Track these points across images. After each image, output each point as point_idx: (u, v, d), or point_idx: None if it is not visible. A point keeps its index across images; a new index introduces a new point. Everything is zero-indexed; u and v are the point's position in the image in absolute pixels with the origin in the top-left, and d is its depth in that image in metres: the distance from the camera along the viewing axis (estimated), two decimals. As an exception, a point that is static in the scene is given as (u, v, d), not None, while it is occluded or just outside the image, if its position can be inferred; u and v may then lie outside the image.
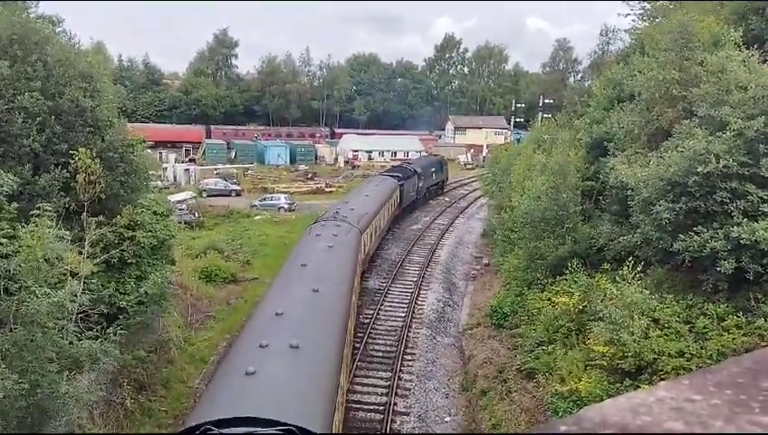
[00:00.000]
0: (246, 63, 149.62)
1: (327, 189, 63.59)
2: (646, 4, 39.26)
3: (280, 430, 9.83)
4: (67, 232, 15.88)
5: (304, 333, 13.71)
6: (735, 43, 21.03)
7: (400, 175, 47.85)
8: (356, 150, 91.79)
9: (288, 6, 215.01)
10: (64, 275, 15.63)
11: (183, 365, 24.39)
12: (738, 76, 18.37)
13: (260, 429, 9.84)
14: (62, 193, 19.39)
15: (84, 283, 16.53)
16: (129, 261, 21.57)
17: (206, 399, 12.07)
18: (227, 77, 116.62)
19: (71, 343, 14.98)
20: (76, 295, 15.46)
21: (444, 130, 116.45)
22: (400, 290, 32.70)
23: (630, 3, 39.47)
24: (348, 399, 19.70)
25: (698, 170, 16.89)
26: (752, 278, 16.05)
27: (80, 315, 16.52)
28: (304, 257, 20.93)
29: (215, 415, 10.29)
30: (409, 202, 48.81)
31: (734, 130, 16.87)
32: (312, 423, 10.53)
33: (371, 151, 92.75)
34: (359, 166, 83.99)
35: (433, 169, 58.83)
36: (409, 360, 24.93)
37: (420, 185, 52.47)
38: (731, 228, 16.13)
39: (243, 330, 15.80)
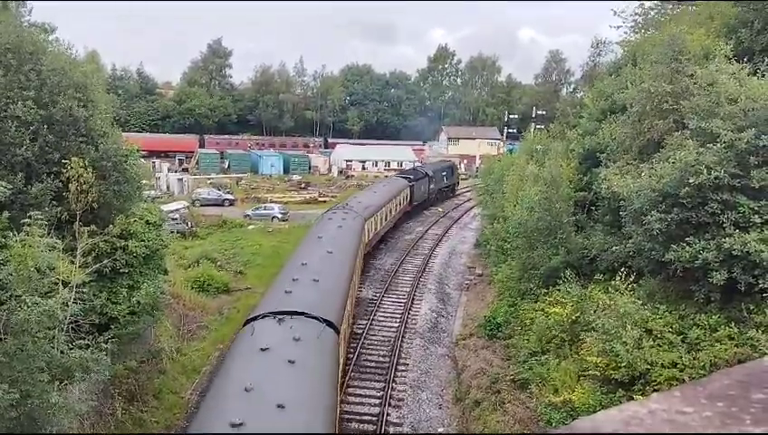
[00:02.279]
0: (239, 73, 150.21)
1: (320, 199, 63.52)
2: (638, 17, 39.60)
3: (314, 317, 15.94)
4: (59, 241, 15.80)
5: (322, 274, 20.24)
6: (726, 56, 21.22)
7: (412, 177, 54.68)
8: (349, 160, 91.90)
9: (282, 14, 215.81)
10: (56, 284, 15.54)
11: (175, 376, 24.23)
12: (728, 89, 18.52)
13: (303, 317, 15.76)
14: (55, 202, 19.30)
15: (76, 292, 16.43)
16: (121, 271, 21.46)
17: (265, 299, 18.67)
18: (221, 86, 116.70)
19: (62, 352, 14.86)
20: (67, 305, 15.37)
21: (437, 140, 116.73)
22: (393, 300, 32.67)
23: (622, 15, 39.82)
24: (341, 410, 19.67)
25: (690, 182, 16.99)
26: (743, 289, 16.11)
27: (71, 325, 16.40)
28: (320, 233, 27.81)
29: (269, 309, 16.39)
30: (421, 201, 55.46)
31: (724, 141, 16.98)
32: (333, 318, 16.98)
33: (365, 161, 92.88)
34: (352, 176, 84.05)
35: (444, 173, 65.42)
36: (403, 370, 24.86)
37: (431, 187, 59.04)
38: (722, 239, 16.21)
39: (281, 270, 22.64)
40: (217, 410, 11.16)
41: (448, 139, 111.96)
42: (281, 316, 15.59)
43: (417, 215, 54.98)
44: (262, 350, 13.37)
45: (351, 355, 24.86)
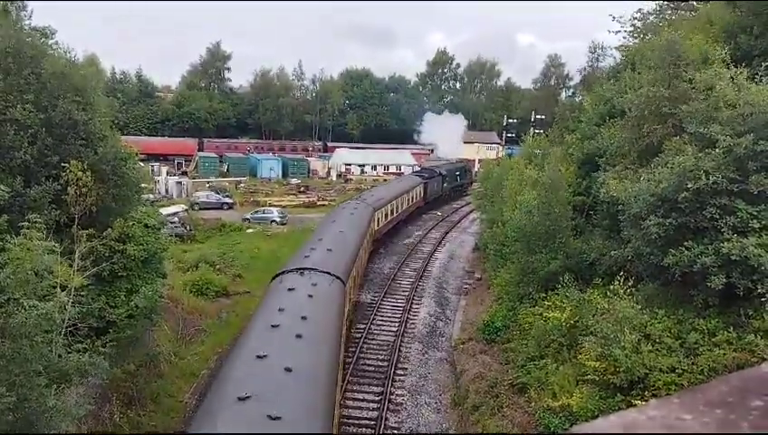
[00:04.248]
0: (239, 76, 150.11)
1: (319, 203, 63.52)
2: (636, 21, 39.69)
3: (326, 272, 21.03)
4: (57, 245, 15.79)
5: (334, 246, 25.57)
6: (724, 61, 21.26)
7: (426, 175, 61.58)
8: (348, 164, 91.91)
9: (281, 17, 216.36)
10: (54, 287, 15.53)
11: (173, 379, 24.20)
12: (727, 94, 18.56)
13: (319, 272, 20.79)
14: (53, 205, 19.29)
15: (74, 296, 16.42)
16: (119, 274, 21.47)
17: (290, 260, 23.76)
18: (220, 90, 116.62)
19: (59, 356, 14.85)
20: (65, 308, 15.35)
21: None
22: (392, 304, 32.65)
23: (621, 20, 39.91)
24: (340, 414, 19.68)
25: (688, 186, 17.01)
26: (742, 294, 16.13)
27: (69, 329, 16.39)
28: (334, 218, 33.78)
29: (293, 266, 21.64)
30: (434, 197, 61.51)
31: (723, 147, 17.02)
32: (341, 274, 22.00)
33: (364, 165, 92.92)
34: (351, 179, 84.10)
35: (458, 173, 72.53)
36: (401, 374, 24.84)
37: (445, 185, 65.88)
38: (721, 244, 16.23)
39: (305, 243, 27.90)
40: (263, 316, 16.54)
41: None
42: (302, 270, 20.90)
43: (416, 219, 55.20)
44: (289, 290, 18.68)
45: (350, 359, 24.84)
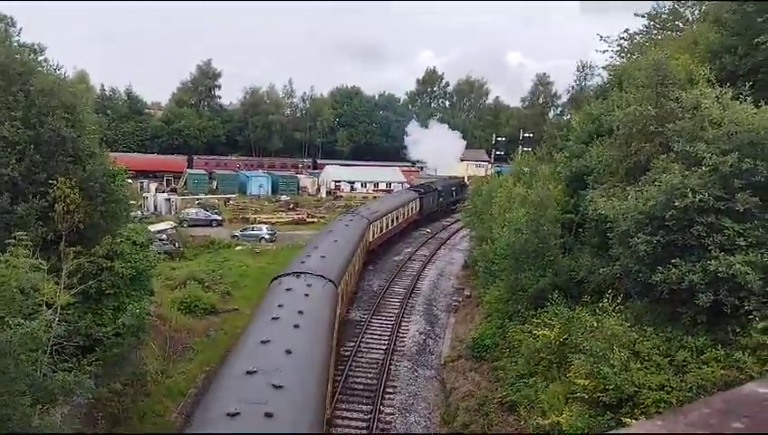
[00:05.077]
0: (229, 94, 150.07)
1: (309, 220, 63.40)
2: (623, 41, 40.22)
3: (320, 275, 23.55)
4: (44, 262, 15.66)
5: (328, 253, 28.04)
6: (709, 81, 21.53)
7: (422, 190, 63.80)
8: (338, 181, 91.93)
9: (272, 34, 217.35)
10: (40, 305, 15.36)
11: (160, 398, 23.92)
12: (712, 113, 18.78)
13: (313, 275, 23.45)
14: (40, 222, 19.16)
15: (60, 314, 16.24)
16: (106, 292, 21.28)
17: (288, 266, 26.22)
18: (210, 107, 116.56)
19: (44, 375, 14.66)
20: (51, 326, 15.18)
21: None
22: (382, 322, 32.54)
23: (608, 40, 40.44)
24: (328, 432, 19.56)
25: (675, 204, 17.13)
26: (729, 311, 16.20)
27: (54, 347, 16.19)
28: (330, 229, 37.21)
29: (290, 271, 24.16)
30: (430, 211, 64.01)
31: (709, 165, 17.18)
32: (334, 278, 24.49)
33: (354, 182, 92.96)
34: (341, 196, 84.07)
35: (453, 189, 74.72)
36: (390, 393, 24.69)
37: (441, 200, 68.25)
38: (708, 262, 16.31)
39: (303, 250, 31.15)
40: (265, 311, 19.04)
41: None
42: (298, 274, 23.45)
43: (406, 236, 55.20)
44: (287, 289, 21.07)
45: (339, 377, 24.68)
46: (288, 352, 14.64)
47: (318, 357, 16.07)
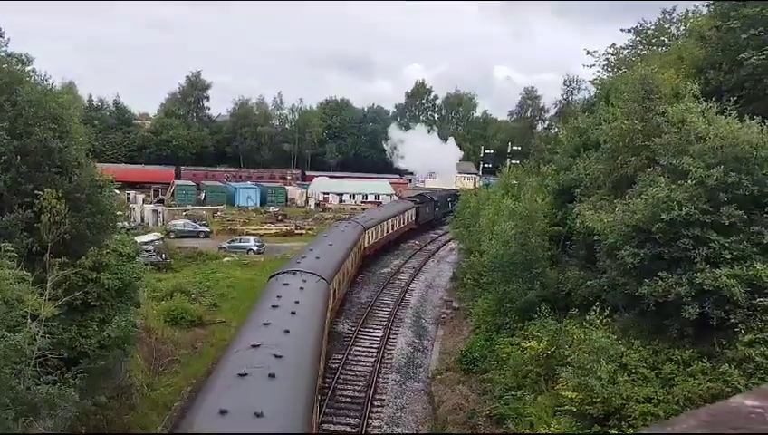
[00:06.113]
0: (218, 105, 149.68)
1: (297, 232, 63.21)
2: (610, 56, 40.62)
3: (314, 273, 26.21)
4: (28, 273, 15.50)
5: (322, 255, 30.81)
6: (694, 96, 21.79)
7: (418, 200, 66.91)
8: (327, 193, 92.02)
9: (260, 46, 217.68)
10: (24, 317, 15.19)
11: (145, 411, 23.64)
12: (697, 127, 18.99)
13: (307, 273, 26.11)
14: (26, 233, 18.97)
15: (45, 326, 16.06)
16: (92, 303, 21.07)
17: (285, 265, 29.73)
18: (199, 118, 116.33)
19: (28, 388, 14.47)
20: (35, 339, 15.00)
21: (414, 174, 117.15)
22: (370, 334, 32.43)
23: (595, 54, 40.82)
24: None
25: (662, 217, 17.28)
26: (715, 324, 16.31)
27: (38, 359, 15.98)
28: (326, 234, 40.69)
29: (286, 269, 27.17)
30: (426, 221, 66.68)
31: (694, 178, 17.36)
32: (326, 276, 26.84)
33: (342, 194, 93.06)
34: (330, 208, 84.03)
35: (449, 199, 75.16)
36: (378, 406, 24.57)
37: (437, 210, 70.91)
38: (694, 274, 16.44)
39: (301, 251, 34.98)
40: (265, 301, 21.41)
41: (429, 173, 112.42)
42: (294, 271, 26.11)
43: (395, 248, 55.21)
44: (284, 284, 23.66)
45: (326, 390, 24.54)
46: (286, 331, 16.97)
47: (311, 336, 18.55)
